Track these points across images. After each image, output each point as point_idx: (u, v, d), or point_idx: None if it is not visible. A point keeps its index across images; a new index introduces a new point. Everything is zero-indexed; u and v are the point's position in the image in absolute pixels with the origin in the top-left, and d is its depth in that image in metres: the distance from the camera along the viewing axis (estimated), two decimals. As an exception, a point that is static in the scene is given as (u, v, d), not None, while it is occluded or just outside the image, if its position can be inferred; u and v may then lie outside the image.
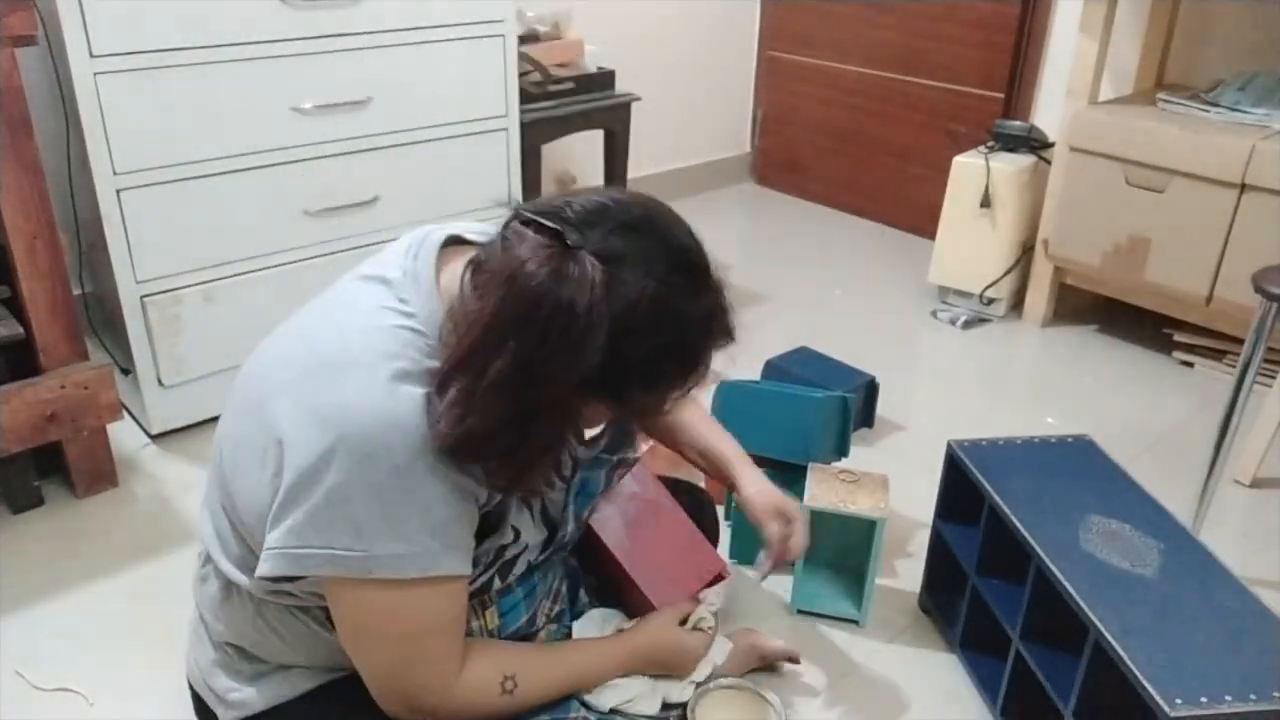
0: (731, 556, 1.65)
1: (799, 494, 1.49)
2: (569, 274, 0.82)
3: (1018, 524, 1.27)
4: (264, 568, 0.89)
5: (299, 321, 0.97)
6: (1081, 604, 1.12)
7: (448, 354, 0.87)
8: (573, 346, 0.82)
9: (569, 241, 0.84)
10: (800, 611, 1.56)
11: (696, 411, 1.35)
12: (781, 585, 1.59)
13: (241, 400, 0.97)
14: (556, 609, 1.16)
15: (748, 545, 1.65)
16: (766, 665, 1.43)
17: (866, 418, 2.04)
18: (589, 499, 1.11)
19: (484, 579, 1.02)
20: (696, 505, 1.39)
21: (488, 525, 0.97)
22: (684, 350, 0.91)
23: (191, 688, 1.12)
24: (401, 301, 0.91)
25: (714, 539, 1.46)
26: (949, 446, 1.47)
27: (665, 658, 1.15)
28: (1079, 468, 1.41)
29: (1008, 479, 1.36)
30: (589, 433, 1.10)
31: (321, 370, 0.88)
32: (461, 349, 0.85)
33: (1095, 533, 1.25)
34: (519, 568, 1.05)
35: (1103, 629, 1.08)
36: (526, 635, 1.11)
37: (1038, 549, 1.22)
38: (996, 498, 1.33)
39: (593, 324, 0.82)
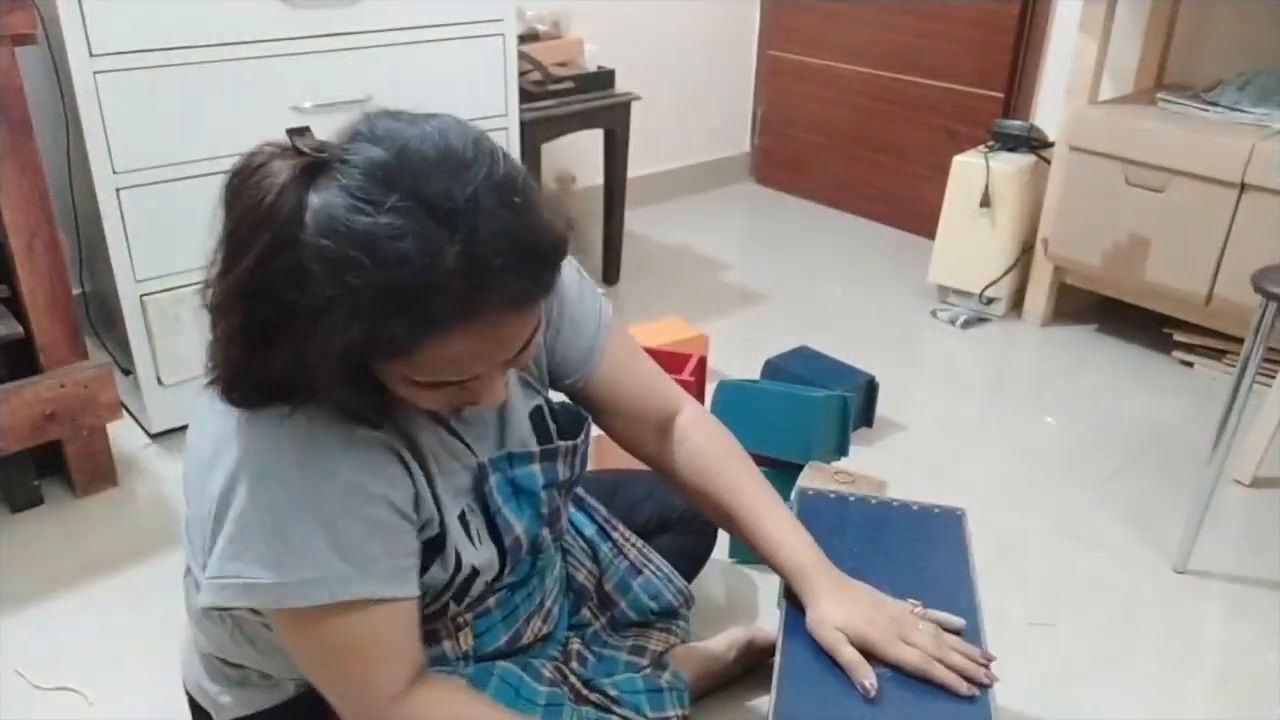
0: (731, 555, 1.65)
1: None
2: (272, 158, 0.77)
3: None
4: (202, 599, 0.87)
5: None
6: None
7: None
8: (239, 241, 0.76)
9: (299, 145, 0.78)
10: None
11: (732, 456, 1.15)
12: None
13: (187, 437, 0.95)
14: (545, 629, 1.14)
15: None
16: (761, 659, 1.43)
17: (866, 417, 2.04)
18: (531, 496, 1.02)
19: (437, 605, 0.99)
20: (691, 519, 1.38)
21: (430, 553, 0.94)
22: (357, 302, 0.74)
23: (187, 690, 1.13)
24: None
25: (710, 540, 1.46)
26: (798, 492, 1.31)
27: None
28: (924, 547, 1.19)
29: (828, 539, 1.12)
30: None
31: (206, 412, 0.89)
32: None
33: None
34: (476, 589, 1.00)
35: None
36: (508, 654, 1.09)
37: (785, 629, 1.07)
38: None
39: (261, 221, 0.75)
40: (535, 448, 1.04)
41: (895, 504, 1.28)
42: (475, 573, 0.98)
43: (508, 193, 0.77)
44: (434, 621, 1.01)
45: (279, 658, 1.02)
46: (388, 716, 0.89)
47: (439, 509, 0.93)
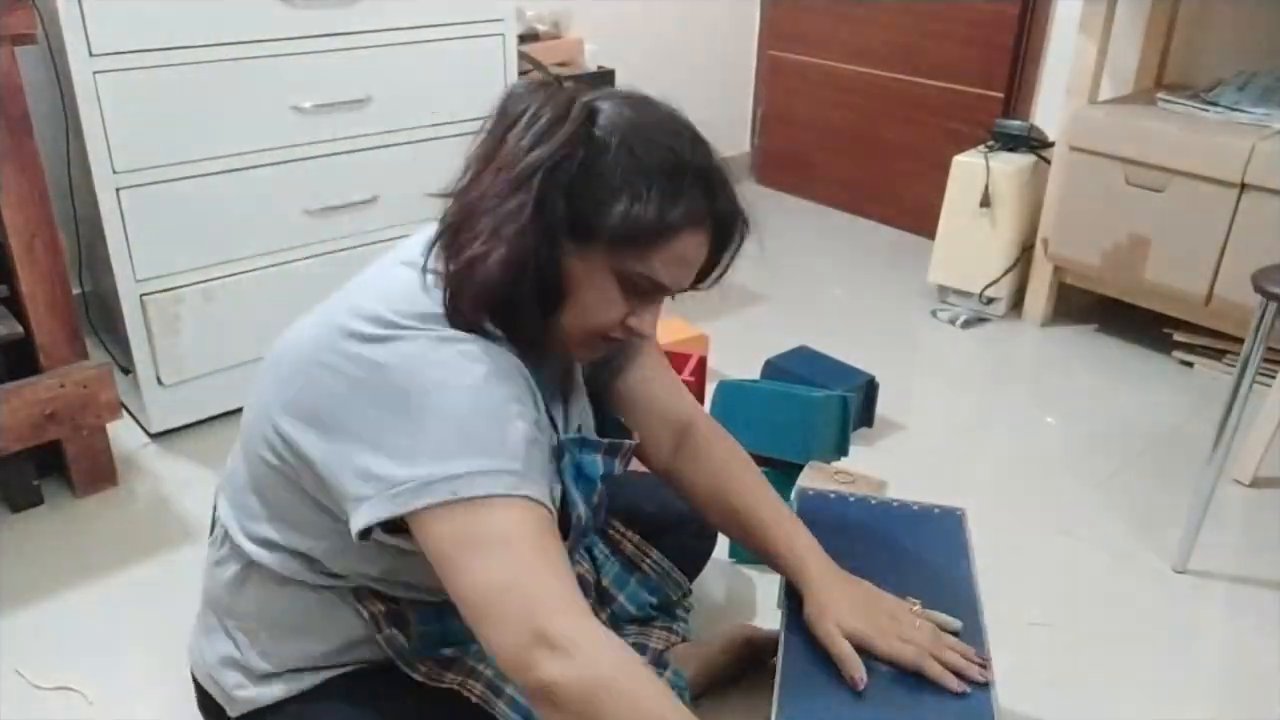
0: (731, 556, 1.65)
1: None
2: (544, 85, 0.93)
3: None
4: (361, 520, 0.86)
5: (340, 297, 0.98)
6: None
7: None
8: (538, 133, 0.89)
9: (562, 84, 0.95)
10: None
11: (745, 466, 1.20)
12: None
13: (284, 370, 0.95)
14: None
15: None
16: (760, 658, 1.43)
17: (866, 417, 2.04)
18: (590, 483, 1.08)
19: None
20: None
21: None
22: (655, 181, 0.90)
23: (196, 681, 1.12)
24: (427, 269, 0.94)
25: (710, 541, 1.46)
26: (798, 492, 1.34)
27: None
28: (924, 547, 1.20)
29: (829, 539, 1.13)
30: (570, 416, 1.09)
31: (344, 335, 0.90)
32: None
33: None
34: None
35: None
36: None
37: (786, 628, 1.08)
38: None
39: (557, 117, 0.90)
40: (601, 438, 1.08)
41: (895, 504, 1.28)
42: None
43: None
44: None
45: (322, 625, 1.02)
46: (553, 624, 0.80)
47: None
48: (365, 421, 0.87)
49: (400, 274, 0.95)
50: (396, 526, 0.87)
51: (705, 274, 1.01)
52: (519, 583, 0.82)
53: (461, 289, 0.90)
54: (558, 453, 1.02)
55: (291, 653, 1.04)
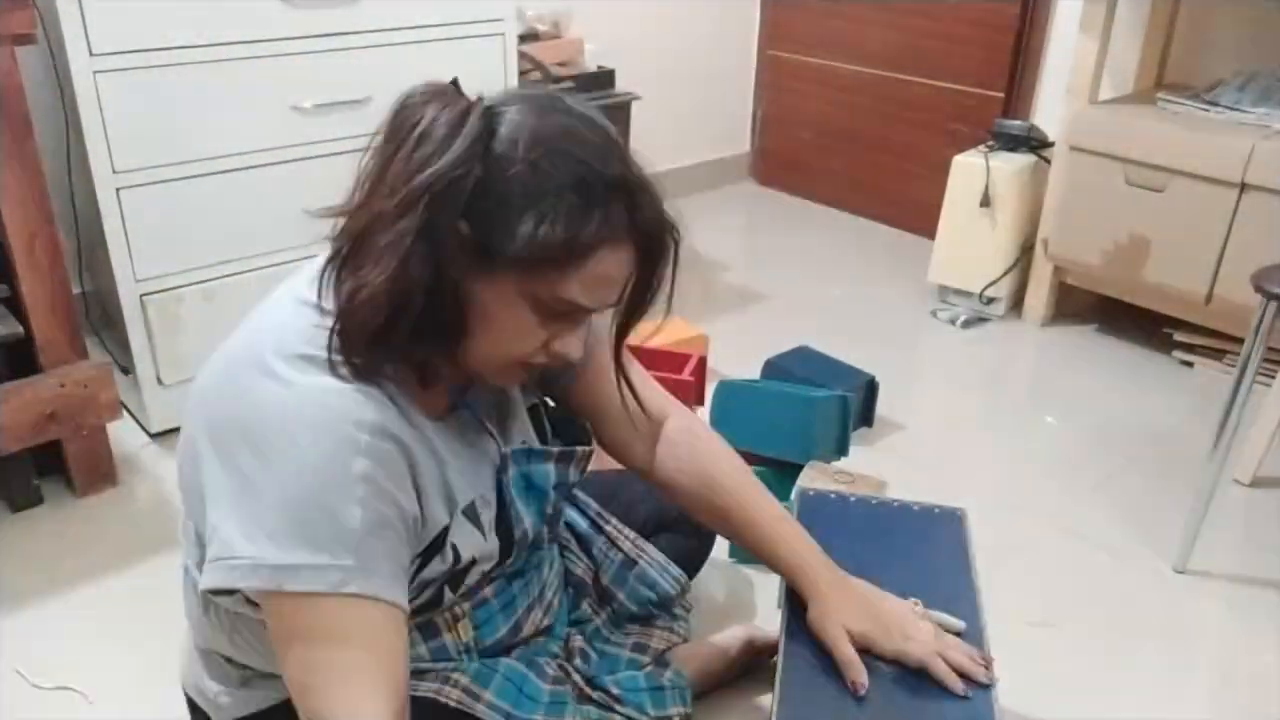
0: (731, 556, 1.65)
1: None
2: (439, 93, 0.85)
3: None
4: (204, 582, 0.86)
5: (236, 336, 0.95)
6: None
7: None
8: (429, 151, 0.82)
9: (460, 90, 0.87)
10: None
11: (726, 460, 1.16)
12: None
13: (186, 413, 0.95)
14: (545, 621, 1.14)
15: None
16: (760, 659, 1.43)
17: (866, 417, 2.04)
18: (540, 494, 1.05)
19: (430, 594, 0.98)
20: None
21: (429, 550, 0.94)
22: (562, 198, 0.82)
23: (186, 693, 1.12)
24: (318, 303, 0.88)
25: (708, 540, 1.46)
26: (798, 492, 1.35)
27: None
28: (924, 547, 1.21)
29: (829, 539, 1.13)
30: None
31: (230, 372, 0.87)
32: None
33: None
34: (471, 577, 1.00)
35: None
36: (510, 646, 1.09)
37: (787, 629, 1.08)
38: None
39: (450, 132, 0.82)
40: (552, 447, 1.05)
41: (895, 504, 1.28)
42: (474, 562, 0.98)
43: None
44: (430, 612, 1.01)
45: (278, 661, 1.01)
46: None
47: (448, 498, 0.93)
48: (220, 475, 0.84)
49: (285, 310, 0.91)
50: None
51: (643, 290, 0.94)
52: (314, 689, 0.83)
53: (346, 325, 0.84)
54: (502, 466, 1.00)
55: (266, 666, 1.03)
